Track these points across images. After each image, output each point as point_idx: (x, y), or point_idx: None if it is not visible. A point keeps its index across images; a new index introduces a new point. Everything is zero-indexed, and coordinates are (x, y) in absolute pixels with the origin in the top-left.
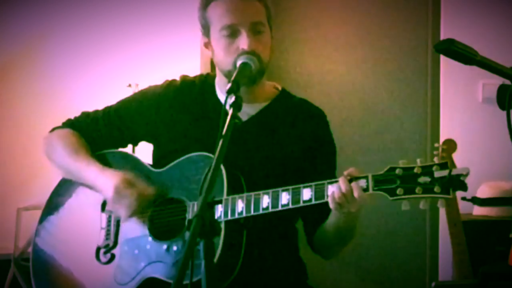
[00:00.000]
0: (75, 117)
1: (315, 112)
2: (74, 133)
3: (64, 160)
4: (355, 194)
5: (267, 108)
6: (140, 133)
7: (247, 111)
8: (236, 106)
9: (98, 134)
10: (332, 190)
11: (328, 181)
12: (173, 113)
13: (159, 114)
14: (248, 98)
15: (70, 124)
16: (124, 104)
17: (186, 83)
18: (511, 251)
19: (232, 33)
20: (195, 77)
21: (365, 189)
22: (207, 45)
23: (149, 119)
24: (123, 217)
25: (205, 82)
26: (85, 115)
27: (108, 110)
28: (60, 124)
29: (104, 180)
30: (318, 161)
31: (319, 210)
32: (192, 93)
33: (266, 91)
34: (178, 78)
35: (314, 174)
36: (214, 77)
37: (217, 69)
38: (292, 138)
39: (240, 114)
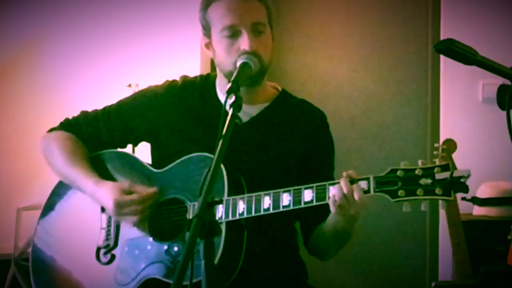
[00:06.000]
0: (74, 117)
1: (315, 113)
2: (72, 137)
3: (62, 169)
4: (356, 196)
5: (267, 109)
6: (140, 133)
7: (248, 112)
8: (236, 106)
9: (98, 134)
10: (333, 192)
11: (329, 182)
12: (174, 113)
13: (159, 114)
14: (249, 99)
15: (68, 125)
16: (124, 104)
17: (187, 83)
18: (510, 251)
19: (233, 33)
20: (195, 77)
21: (367, 191)
22: (208, 45)
23: (149, 119)
24: (132, 225)
25: (206, 83)
26: (84, 114)
27: (107, 110)
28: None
29: (102, 194)
30: (317, 162)
31: (317, 211)
32: (193, 93)
33: (267, 91)
34: (178, 79)
35: (313, 174)
36: (215, 77)
37: (217, 69)
38: (293, 139)
39: (240, 115)
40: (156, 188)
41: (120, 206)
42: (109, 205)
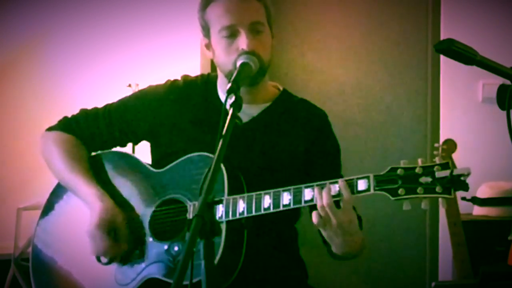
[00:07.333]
0: (73, 115)
1: (316, 112)
2: (72, 140)
3: (61, 174)
4: (345, 195)
5: (268, 108)
6: (141, 132)
7: (249, 112)
8: (236, 106)
9: (98, 132)
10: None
11: (330, 181)
12: (175, 113)
13: (161, 113)
14: (250, 99)
15: (67, 124)
16: (125, 103)
17: (188, 83)
18: (511, 251)
19: (232, 33)
20: (196, 77)
21: (367, 189)
22: (208, 46)
23: (150, 118)
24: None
25: (207, 83)
26: (84, 113)
27: (108, 108)
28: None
29: (97, 208)
30: (321, 161)
31: None
32: (194, 93)
33: (268, 91)
34: (179, 78)
35: (318, 174)
36: (216, 77)
37: (218, 70)
38: (294, 139)
39: (242, 115)
40: (127, 246)
41: (95, 231)
42: (94, 220)
